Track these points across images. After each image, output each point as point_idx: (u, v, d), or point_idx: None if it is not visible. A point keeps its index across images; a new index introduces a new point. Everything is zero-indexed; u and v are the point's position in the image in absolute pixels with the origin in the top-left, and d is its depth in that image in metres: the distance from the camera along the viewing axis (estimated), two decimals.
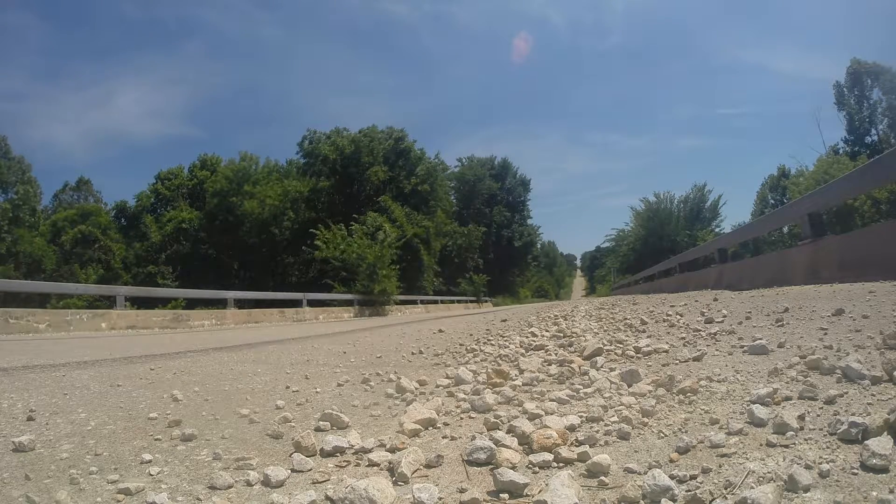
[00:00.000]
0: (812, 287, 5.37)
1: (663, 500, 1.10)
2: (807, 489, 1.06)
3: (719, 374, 2.11)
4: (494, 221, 51.42)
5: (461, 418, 1.96)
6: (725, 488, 1.13)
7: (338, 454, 1.59)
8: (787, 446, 1.31)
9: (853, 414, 1.43)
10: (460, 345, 4.52)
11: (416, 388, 2.55)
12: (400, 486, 1.32)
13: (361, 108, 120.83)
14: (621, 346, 3.22)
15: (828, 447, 1.27)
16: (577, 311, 8.10)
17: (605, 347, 3.13)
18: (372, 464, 1.50)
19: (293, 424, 2.00)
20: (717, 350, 2.67)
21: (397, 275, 22.20)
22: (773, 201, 43.51)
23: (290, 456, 1.58)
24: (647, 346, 3.02)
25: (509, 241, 52.85)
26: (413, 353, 4.17)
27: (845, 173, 9.84)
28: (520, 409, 1.93)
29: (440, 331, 6.49)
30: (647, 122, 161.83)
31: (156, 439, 1.80)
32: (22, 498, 1.29)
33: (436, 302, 30.07)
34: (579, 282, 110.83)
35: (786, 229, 27.03)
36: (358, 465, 1.51)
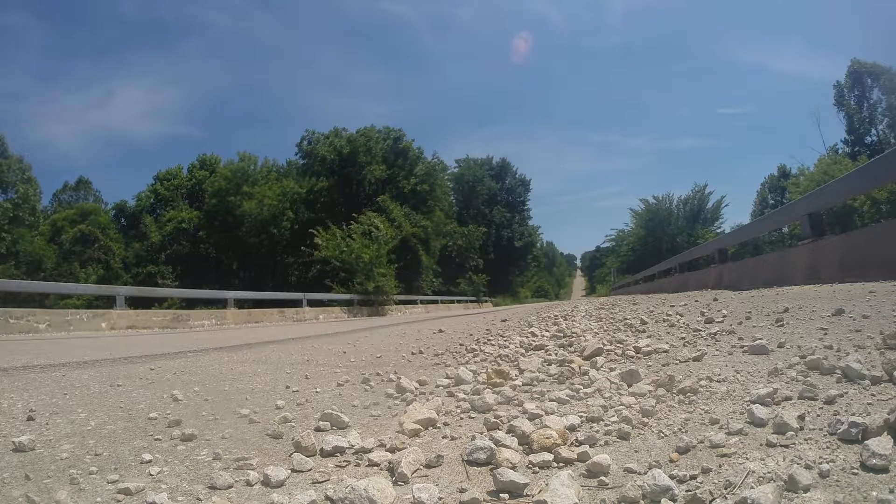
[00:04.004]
0: (812, 287, 5.37)
1: (663, 500, 1.10)
2: (807, 489, 1.06)
3: (719, 374, 2.10)
4: (494, 222, 51.41)
5: (461, 418, 1.96)
6: (725, 488, 1.13)
7: (338, 454, 1.59)
8: (787, 446, 1.31)
9: (853, 414, 1.43)
10: (460, 345, 4.52)
11: (416, 388, 2.55)
12: (400, 486, 1.32)
13: (361, 108, 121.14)
14: (621, 346, 3.22)
15: (828, 447, 1.27)
16: (577, 311, 8.10)
17: (605, 347, 3.13)
18: (372, 464, 1.50)
19: (293, 424, 2.00)
20: (717, 350, 2.67)
21: (394, 273, 22.21)
22: (772, 202, 43.53)
23: (290, 456, 1.58)
24: (647, 346, 3.02)
25: (509, 242, 52.84)
26: (413, 353, 4.17)
27: (845, 173, 9.84)
28: (520, 409, 1.93)
29: (440, 331, 6.49)
30: (647, 122, 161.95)
31: (156, 439, 1.80)
32: (22, 498, 1.29)
33: (435, 302, 30.06)
34: (579, 282, 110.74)
35: (786, 229, 27.06)
36: (358, 465, 1.51)
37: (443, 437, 1.73)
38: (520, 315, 9.36)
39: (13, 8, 64.59)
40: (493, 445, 1.48)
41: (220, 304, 15.09)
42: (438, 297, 31.99)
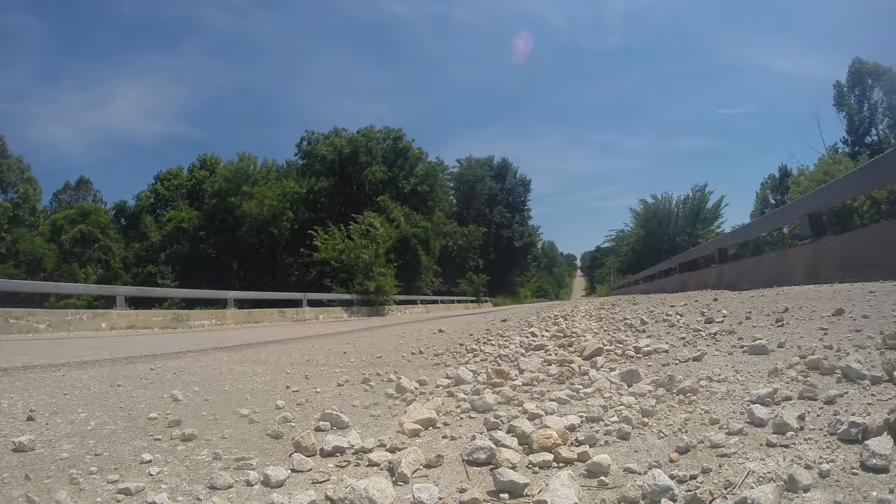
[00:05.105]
0: (812, 287, 5.37)
1: (663, 500, 1.10)
2: (807, 489, 1.06)
3: (719, 374, 2.10)
4: (494, 221, 51.40)
5: (461, 418, 1.96)
6: (725, 488, 1.13)
7: (338, 454, 1.59)
8: (787, 446, 1.31)
9: (853, 414, 1.43)
10: (460, 345, 4.52)
11: (416, 388, 2.55)
12: (400, 486, 1.32)
13: (361, 108, 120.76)
14: (621, 346, 3.22)
15: (828, 447, 1.27)
16: (577, 311, 8.10)
17: (605, 347, 3.13)
18: (372, 464, 1.50)
19: (293, 424, 2.00)
20: (717, 350, 2.67)
21: (394, 273, 22.21)
22: (773, 201, 43.54)
23: (290, 456, 1.58)
24: (647, 346, 3.02)
25: (509, 242, 52.83)
26: (413, 353, 4.17)
27: (845, 173, 9.83)
28: (520, 408, 1.93)
29: (440, 331, 6.49)
30: (647, 122, 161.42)
31: (156, 439, 1.80)
32: (22, 498, 1.29)
33: (435, 302, 30.07)
34: (579, 282, 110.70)
35: (786, 229, 27.04)
36: (358, 465, 1.51)
37: (443, 437, 1.73)
38: (520, 315, 9.36)
39: (13, 8, 64.52)
40: (493, 445, 1.48)
41: (220, 304, 15.09)
42: (438, 297, 31.99)
